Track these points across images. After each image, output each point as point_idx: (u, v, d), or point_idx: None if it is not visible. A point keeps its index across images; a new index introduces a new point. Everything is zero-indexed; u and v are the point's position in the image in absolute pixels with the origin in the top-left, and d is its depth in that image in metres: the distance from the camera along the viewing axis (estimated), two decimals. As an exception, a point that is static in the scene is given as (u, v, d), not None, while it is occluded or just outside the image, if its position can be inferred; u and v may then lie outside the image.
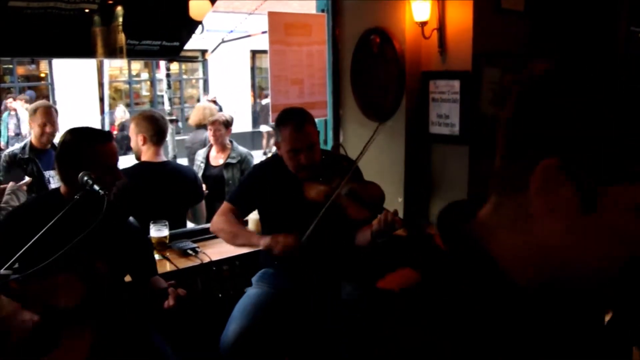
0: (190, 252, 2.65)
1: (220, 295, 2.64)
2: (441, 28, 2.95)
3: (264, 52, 3.93)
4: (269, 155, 11.27)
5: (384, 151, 3.12)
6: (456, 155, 3.01)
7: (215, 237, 2.91)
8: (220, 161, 4.13)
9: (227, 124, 4.15)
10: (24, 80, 12.87)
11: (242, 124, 13.43)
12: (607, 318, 0.71)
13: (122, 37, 2.48)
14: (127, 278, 2.20)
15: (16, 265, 1.57)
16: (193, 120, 5.08)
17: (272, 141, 12.16)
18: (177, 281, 2.05)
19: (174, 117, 9.48)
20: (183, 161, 5.11)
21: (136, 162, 3.09)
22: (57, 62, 12.00)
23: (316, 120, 2.71)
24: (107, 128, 10.80)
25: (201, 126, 4.90)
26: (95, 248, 1.91)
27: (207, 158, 4.21)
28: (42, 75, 12.88)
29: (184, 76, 14.81)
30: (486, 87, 2.98)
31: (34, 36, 2.27)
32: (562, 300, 0.60)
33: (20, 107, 9.38)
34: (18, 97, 10.11)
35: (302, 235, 2.17)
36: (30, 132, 3.77)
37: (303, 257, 2.22)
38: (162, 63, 9.68)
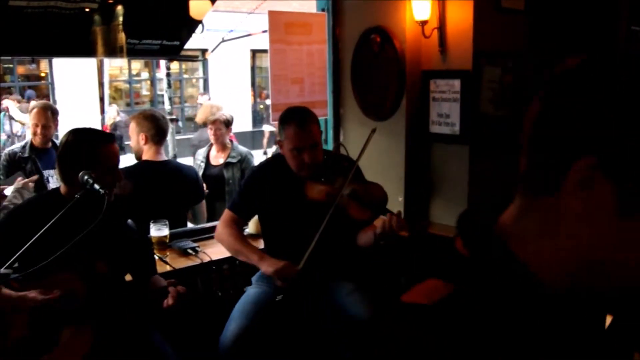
0: (190, 251, 2.65)
1: (220, 294, 2.64)
2: (441, 27, 2.95)
3: (264, 51, 3.93)
4: (269, 154, 11.29)
5: (384, 150, 3.11)
6: (456, 155, 3.01)
7: (216, 236, 2.92)
8: (221, 160, 4.13)
9: (228, 123, 4.15)
10: (24, 79, 12.87)
11: (243, 123, 13.44)
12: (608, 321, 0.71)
13: (122, 37, 2.48)
14: (128, 277, 2.20)
15: (16, 265, 1.57)
16: (200, 118, 5.08)
17: (266, 140, 12.18)
18: (177, 281, 2.05)
19: (174, 117, 9.48)
20: (187, 160, 5.11)
21: (136, 161, 3.09)
22: (57, 62, 12.00)
23: (316, 119, 2.70)
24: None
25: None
26: (95, 247, 1.91)
27: (207, 157, 4.20)
28: (43, 74, 12.88)
29: (184, 75, 14.81)
30: (486, 86, 2.98)
31: (34, 35, 2.27)
32: (591, 305, 0.58)
33: (13, 106, 9.30)
34: (10, 96, 10.03)
35: (299, 260, 2.18)
36: (21, 131, 3.78)
37: (301, 280, 2.22)
38: (163, 62, 9.67)
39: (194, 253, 2.65)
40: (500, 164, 3.10)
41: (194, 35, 2.75)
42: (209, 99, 11.03)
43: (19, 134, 8.61)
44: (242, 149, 4.32)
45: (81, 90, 11.66)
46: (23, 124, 8.59)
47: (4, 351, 1.52)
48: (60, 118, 3.70)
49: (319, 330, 2.38)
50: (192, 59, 11.76)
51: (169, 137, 6.42)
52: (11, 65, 11.98)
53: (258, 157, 3.61)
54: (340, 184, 2.17)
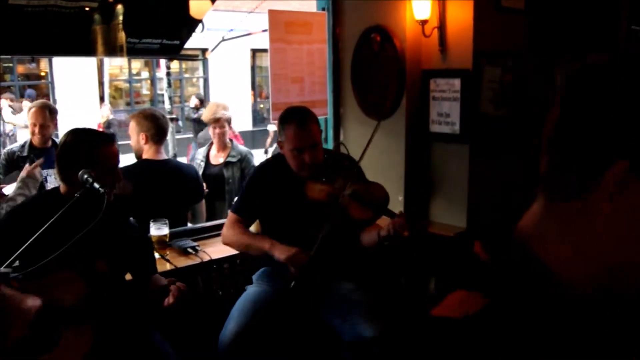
0: (190, 250, 2.65)
1: (220, 293, 2.64)
2: (442, 26, 2.95)
3: (264, 50, 3.92)
4: (270, 154, 11.28)
5: (384, 150, 3.11)
6: (456, 154, 3.01)
7: (216, 235, 2.91)
8: (221, 160, 4.13)
9: (229, 122, 4.16)
10: (24, 78, 12.86)
11: (243, 123, 13.44)
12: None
13: (122, 36, 2.47)
14: (128, 276, 2.20)
15: (16, 264, 1.57)
16: (206, 116, 5.09)
17: (269, 140, 12.18)
18: (177, 280, 2.05)
19: (174, 116, 9.48)
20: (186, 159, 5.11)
21: (135, 160, 3.09)
22: (57, 61, 11.99)
23: (316, 118, 2.70)
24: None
25: None
26: (95, 247, 1.91)
27: (207, 157, 4.20)
28: (42, 73, 12.87)
29: (185, 75, 14.80)
30: (487, 85, 2.98)
31: (34, 34, 2.27)
32: (618, 309, 0.57)
33: (6, 105, 9.23)
34: (3, 95, 9.96)
35: (310, 248, 2.17)
36: (12, 131, 3.76)
37: (313, 268, 2.21)
38: (163, 62, 9.67)
39: (193, 252, 2.65)
40: (500, 163, 3.10)
41: (194, 34, 2.74)
42: (202, 99, 11.01)
43: (10, 134, 8.54)
44: (242, 148, 4.32)
45: (81, 90, 11.66)
46: (14, 125, 8.52)
47: (4, 351, 1.51)
48: (60, 117, 3.69)
49: (319, 328, 2.37)
50: (192, 58, 11.75)
51: (169, 137, 6.43)
52: (11, 65, 11.97)
53: (259, 156, 3.61)
54: (341, 184, 2.17)
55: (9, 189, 2.90)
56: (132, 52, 2.57)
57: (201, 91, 14.68)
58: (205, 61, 13.41)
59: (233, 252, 2.69)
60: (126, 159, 2.85)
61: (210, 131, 4.21)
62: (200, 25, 2.71)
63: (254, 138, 13.68)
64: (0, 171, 3.41)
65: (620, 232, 0.52)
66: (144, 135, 3.00)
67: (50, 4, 2.23)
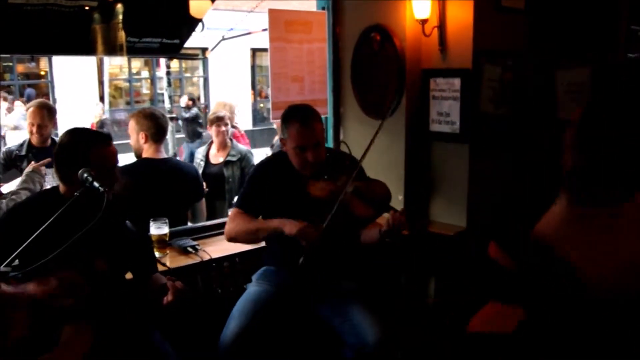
0: (190, 249, 2.65)
1: (220, 291, 2.64)
2: (442, 26, 2.95)
3: (264, 50, 3.93)
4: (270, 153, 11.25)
5: (384, 149, 3.11)
6: (456, 153, 3.01)
7: (215, 234, 2.92)
8: (220, 159, 4.14)
9: (231, 121, 4.18)
10: (23, 77, 12.87)
11: (243, 122, 13.42)
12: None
13: (122, 35, 2.47)
14: (128, 275, 2.20)
15: (16, 263, 1.57)
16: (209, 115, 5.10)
17: (277, 138, 12.14)
18: (177, 279, 2.04)
19: (174, 115, 9.48)
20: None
21: (135, 159, 3.09)
22: (57, 60, 12.00)
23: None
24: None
25: None
26: (94, 246, 1.91)
27: (206, 156, 4.21)
28: (42, 73, 12.88)
29: (185, 74, 14.80)
30: (487, 85, 2.98)
31: (34, 33, 2.27)
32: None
33: (4, 107, 9.18)
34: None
35: (302, 257, 2.16)
36: (3, 130, 3.72)
37: (323, 246, 2.18)
38: (163, 61, 9.68)
39: (193, 251, 2.65)
40: (500, 162, 3.10)
41: (194, 33, 2.74)
42: (194, 99, 10.99)
43: (2, 133, 8.49)
44: (242, 147, 4.33)
45: (81, 89, 11.66)
46: (4, 126, 8.45)
47: (4, 351, 1.51)
48: (59, 116, 3.67)
49: (319, 329, 2.37)
50: (192, 57, 11.76)
51: (168, 136, 6.44)
52: (10, 64, 11.97)
53: (260, 155, 3.60)
54: (343, 182, 2.17)
55: (7, 188, 2.89)
56: (132, 51, 2.57)
57: (201, 90, 14.69)
58: (205, 60, 13.41)
59: (233, 251, 2.69)
60: (125, 158, 2.85)
61: (211, 130, 4.21)
62: (200, 24, 2.71)
63: (254, 137, 13.67)
64: (-1, 170, 3.41)
65: None
66: (144, 135, 3.00)
67: (49, 2, 2.22)
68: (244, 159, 4.13)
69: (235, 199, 2.66)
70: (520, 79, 3.14)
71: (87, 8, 2.36)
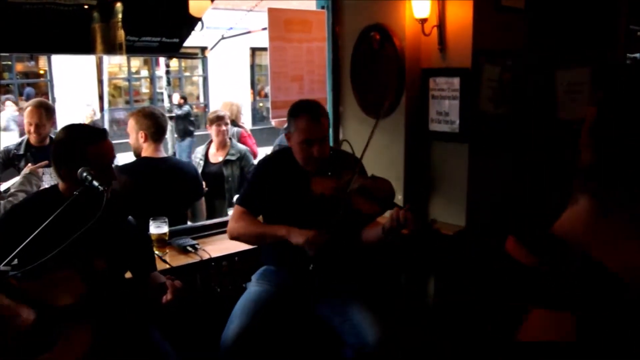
0: (189, 249, 2.65)
1: (219, 290, 2.64)
2: (441, 25, 2.95)
3: (264, 49, 3.93)
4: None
5: (383, 148, 3.11)
6: (456, 153, 3.00)
7: (215, 233, 2.92)
8: (220, 158, 4.14)
9: (231, 121, 4.18)
10: (22, 76, 12.84)
11: (242, 121, 13.41)
12: None
13: (121, 34, 2.47)
14: (128, 274, 2.20)
15: (15, 262, 1.57)
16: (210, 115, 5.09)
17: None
18: (177, 278, 2.04)
19: (173, 114, 9.47)
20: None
21: (134, 158, 3.09)
22: (56, 59, 11.98)
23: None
24: (106, 125, 10.79)
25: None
26: (93, 245, 1.91)
27: (206, 155, 4.21)
28: (41, 72, 12.86)
29: (184, 73, 14.79)
30: (486, 84, 2.98)
31: (33, 32, 2.26)
32: None
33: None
34: None
35: (304, 256, 2.16)
36: None
37: (330, 248, 2.18)
38: (162, 60, 9.66)
39: (193, 250, 2.65)
40: (499, 162, 3.10)
41: (193, 32, 2.74)
42: (185, 98, 10.98)
43: None
44: (241, 146, 4.33)
45: (80, 88, 11.64)
46: None
47: (4, 351, 1.51)
48: (58, 115, 3.66)
49: (320, 328, 2.37)
50: (192, 56, 11.75)
51: (167, 135, 6.44)
52: (10, 63, 11.95)
53: (262, 155, 3.60)
54: (347, 179, 2.16)
55: (5, 187, 2.89)
56: (132, 50, 2.56)
57: (200, 90, 14.68)
58: (204, 59, 13.40)
59: (232, 250, 2.69)
60: (124, 157, 2.85)
61: (211, 130, 4.20)
62: (199, 23, 2.71)
63: (254, 137, 13.66)
64: (-3, 169, 3.40)
65: None
66: (143, 134, 3.00)
67: (49, 1, 2.22)
68: (244, 158, 4.13)
69: (236, 196, 2.66)
70: (519, 78, 3.14)
71: (86, 7, 2.36)
